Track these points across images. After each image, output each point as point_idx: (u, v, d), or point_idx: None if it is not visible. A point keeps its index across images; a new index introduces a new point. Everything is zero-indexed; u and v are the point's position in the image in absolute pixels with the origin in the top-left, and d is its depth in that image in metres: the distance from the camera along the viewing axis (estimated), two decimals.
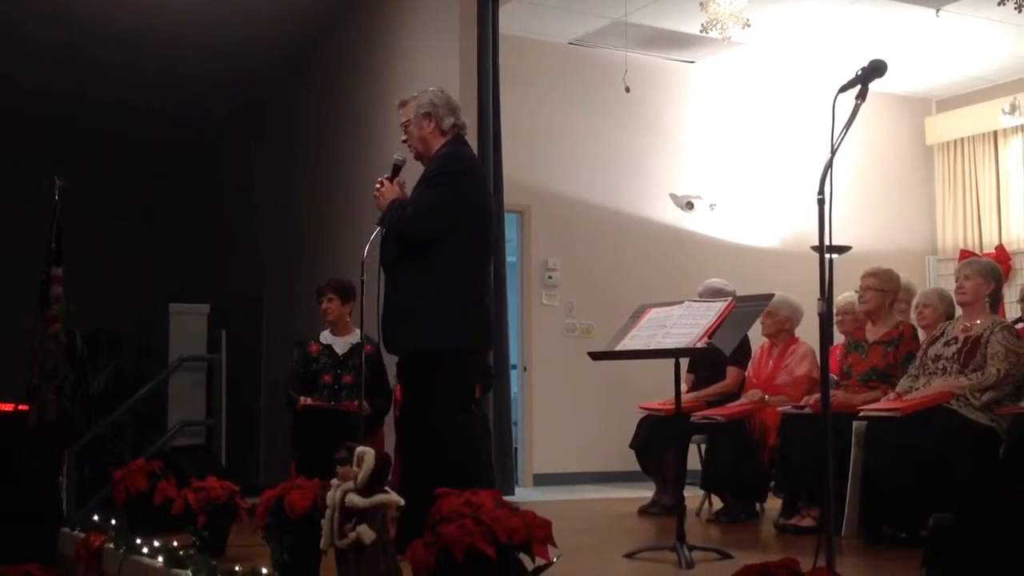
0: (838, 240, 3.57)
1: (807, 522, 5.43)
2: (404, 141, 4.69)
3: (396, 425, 6.78)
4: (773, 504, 6.07)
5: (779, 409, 5.83)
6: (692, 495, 6.07)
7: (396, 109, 4.74)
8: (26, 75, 10.65)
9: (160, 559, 4.46)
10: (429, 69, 8.79)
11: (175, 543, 4.61)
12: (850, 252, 8.31)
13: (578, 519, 6.31)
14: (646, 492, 6.88)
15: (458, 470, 4.25)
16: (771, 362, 6.38)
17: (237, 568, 4.00)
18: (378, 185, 4.60)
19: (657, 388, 6.73)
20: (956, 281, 5.34)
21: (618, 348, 4.70)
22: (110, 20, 9.82)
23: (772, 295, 5.24)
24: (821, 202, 3.47)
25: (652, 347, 4.54)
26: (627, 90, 9.17)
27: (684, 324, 4.51)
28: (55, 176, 7.95)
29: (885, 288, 5.71)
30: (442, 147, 4.59)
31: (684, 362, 5.68)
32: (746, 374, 6.52)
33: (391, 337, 4.56)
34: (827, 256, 3.49)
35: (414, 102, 4.64)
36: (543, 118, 9.67)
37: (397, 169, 4.69)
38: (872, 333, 5.75)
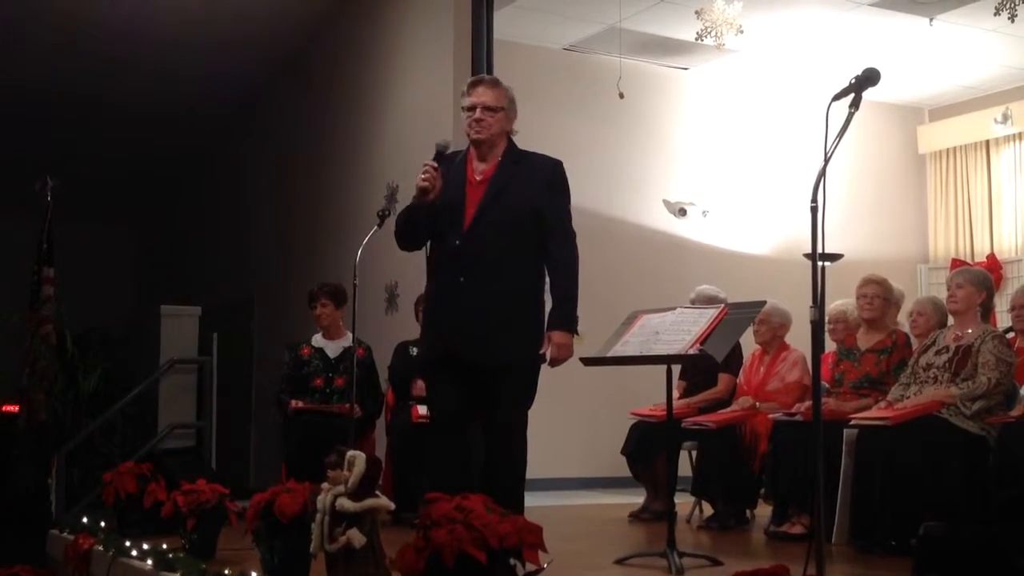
0: (830, 248, 3.58)
1: (797, 529, 5.43)
2: (478, 121, 4.34)
3: (388, 427, 6.79)
4: (763, 511, 6.07)
5: (770, 416, 5.83)
6: (683, 501, 6.07)
7: (465, 87, 4.41)
8: (19, 76, 10.63)
9: (149, 562, 4.46)
10: (423, 74, 8.80)
11: (164, 546, 4.61)
12: (842, 260, 8.34)
13: (569, 525, 6.31)
14: (637, 498, 6.88)
15: None
16: (762, 369, 6.38)
17: (226, 571, 4.00)
18: (424, 173, 4.25)
19: (649, 394, 6.72)
20: (948, 290, 5.35)
21: (610, 354, 4.70)
22: (104, 21, 9.80)
23: (764, 302, 5.25)
24: (814, 210, 3.47)
25: (644, 353, 4.54)
26: (621, 96, 9.17)
27: (676, 331, 4.51)
28: (47, 177, 7.93)
29: (888, 296, 5.75)
30: (511, 147, 4.47)
31: (676, 368, 5.69)
32: (737, 381, 6.52)
33: (517, 343, 4.30)
34: (819, 264, 3.49)
35: (505, 91, 4.41)
36: (537, 123, 9.59)
37: (440, 155, 4.38)
38: (865, 341, 5.76)
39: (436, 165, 4.31)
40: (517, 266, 4.34)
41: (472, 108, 4.38)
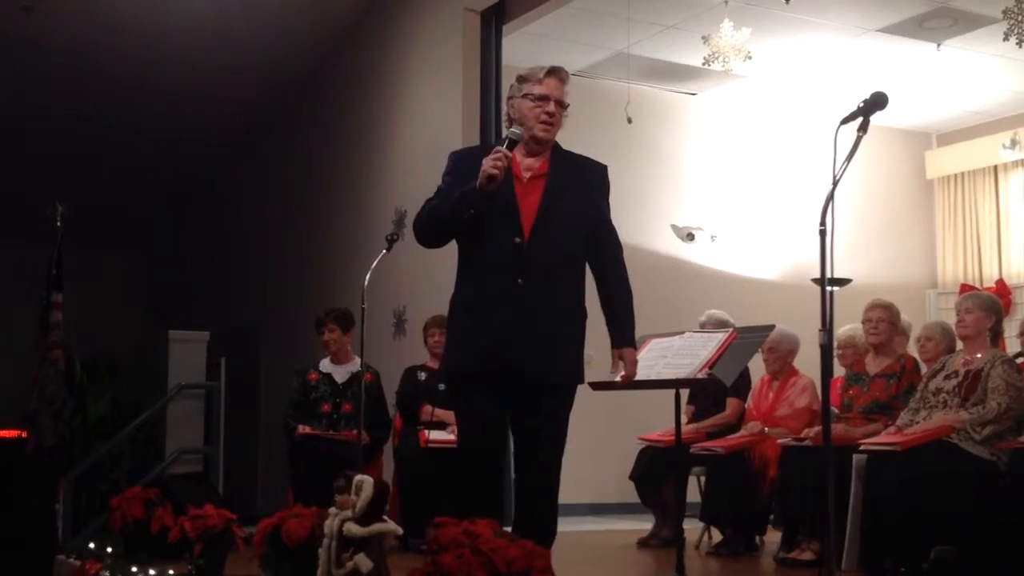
0: (838, 273, 3.57)
1: (807, 555, 5.40)
2: (551, 115, 3.96)
3: (395, 452, 6.77)
4: (773, 537, 6.04)
5: (779, 441, 5.81)
6: (691, 527, 6.04)
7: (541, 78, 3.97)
8: (29, 100, 10.69)
9: None
10: (433, 100, 8.82)
11: (171, 571, 4.59)
12: (850, 285, 8.25)
13: (577, 550, 6.27)
14: (645, 524, 6.85)
15: None
16: (771, 394, 6.37)
17: None
18: (496, 159, 3.75)
19: (657, 419, 6.71)
20: (957, 314, 5.34)
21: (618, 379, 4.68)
22: (115, 47, 9.86)
23: (773, 326, 5.24)
24: (823, 234, 3.47)
25: (653, 378, 4.53)
26: (629, 121, 9.18)
27: (685, 355, 4.50)
28: (57, 202, 7.95)
29: (894, 320, 5.74)
30: (556, 145, 4.08)
31: (684, 393, 5.68)
32: (746, 406, 6.51)
33: (575, 359, 4.09)
34: (828, 289, 3.48)
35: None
36: None
37: (513, 143, 3.89)
38: (873, 366, 5.75)
39: (509, 154, 3.83)
40: (573, 272, 4.01)
41: (544, 99, 3.97)
